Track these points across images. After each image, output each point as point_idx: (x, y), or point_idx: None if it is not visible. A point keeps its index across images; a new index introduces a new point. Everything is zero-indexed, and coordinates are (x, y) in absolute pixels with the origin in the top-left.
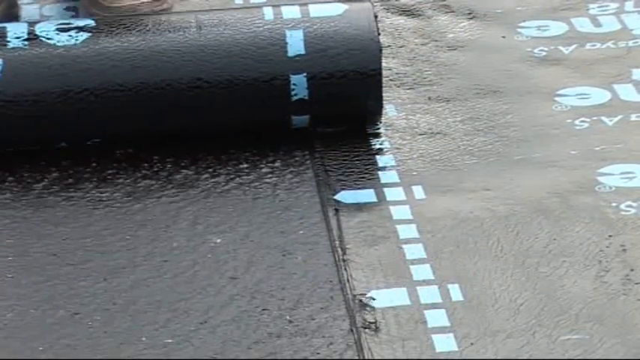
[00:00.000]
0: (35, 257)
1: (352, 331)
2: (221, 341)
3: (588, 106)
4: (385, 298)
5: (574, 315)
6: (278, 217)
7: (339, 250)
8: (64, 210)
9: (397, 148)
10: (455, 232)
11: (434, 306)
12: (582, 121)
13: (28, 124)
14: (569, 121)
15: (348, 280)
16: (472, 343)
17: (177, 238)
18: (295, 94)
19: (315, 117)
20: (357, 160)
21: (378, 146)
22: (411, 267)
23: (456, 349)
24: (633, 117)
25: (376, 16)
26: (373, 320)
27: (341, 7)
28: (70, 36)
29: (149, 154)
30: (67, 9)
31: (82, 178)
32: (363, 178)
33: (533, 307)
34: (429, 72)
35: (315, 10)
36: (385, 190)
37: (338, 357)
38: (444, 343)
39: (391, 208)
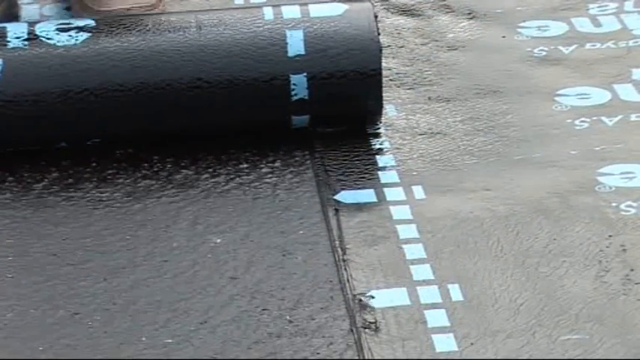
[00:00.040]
0: (35, 257)
1: (352, 331)
2: (221, 341)
3: (588, 106)
4: (385, 298)
5: (574, 315)
6: (278, 217)
7: (339, 250)
8: (64, 210)
9: (397, 148)
10: (455, 232)
11: (434, 306)
12: (582, 121)
13: (28, 124)
14: (569, 121)
15: (348, 280)
16: (472, 343)
17: (177, 238)
18: (295, 94)
19: (315, 117)
20: (357, 160)
21: (378, 146)
22: (411, 267)
23: (456, 349)
24: (633, 117)
25: (376, 16)
26: (373, 320)
27: (341, 7)
28: (70, 36)
29: (149, 154)
30: (68, 9)
31: (82, 178)
32: (363, 178)
33: (533, 307)
34: (429, 72)
35: (315, 10)
36: (385, 190)
37: (338, 357)
38: (444, 343)
39: (391, 208)
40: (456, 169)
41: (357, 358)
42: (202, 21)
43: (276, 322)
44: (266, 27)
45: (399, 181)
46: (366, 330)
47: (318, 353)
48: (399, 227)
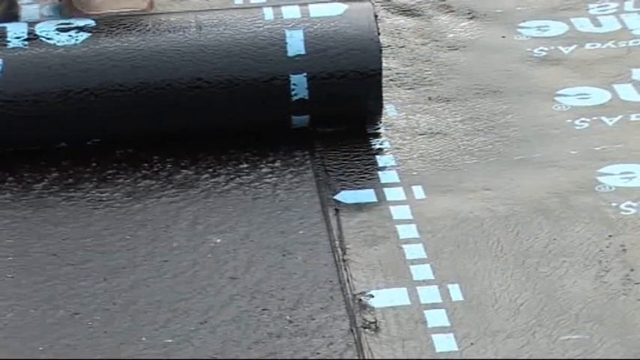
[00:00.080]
0: (35, 257)
1: (352, 331)
2: (221, 341)
3: (588, 106)
4: (385, 298)
5: (574, 315)
6: (278, 217)
7: (339, 250)
8: (64, 210)
9: (397, 148)
10: (455, 232)
11: (434, 306)
12: (582, 121)
13: (28, 124)
14: (569, 121)
15: (348, 280)
16: (472, 343)
17: (177, 238)
18: (295, 94)
19: (315, 117)
20: (357, 160)
21: (378, 146)
22: (411, 267)
23: (456, 349)
24: (633, 117)
25: (376, 16)
26: (373, 320)
27: (341, 7)
28: (70, 36)
29: (149, 154)
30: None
31: (82, 178)
32: (363, 178)
33: (533, 307)
34: (429, 72)
35: (315, 10)
36: (385, 190)
37: (338, 357)
38: (444, 343)
39: (391, 208)
40: (456, 169)
41: (357, 358)
42: (202, 21)
43: (276, 322)
44: (266, 27)
45: (399, 181)
46: (366, 330)
47: (318, 353)
48: (399, 227)
